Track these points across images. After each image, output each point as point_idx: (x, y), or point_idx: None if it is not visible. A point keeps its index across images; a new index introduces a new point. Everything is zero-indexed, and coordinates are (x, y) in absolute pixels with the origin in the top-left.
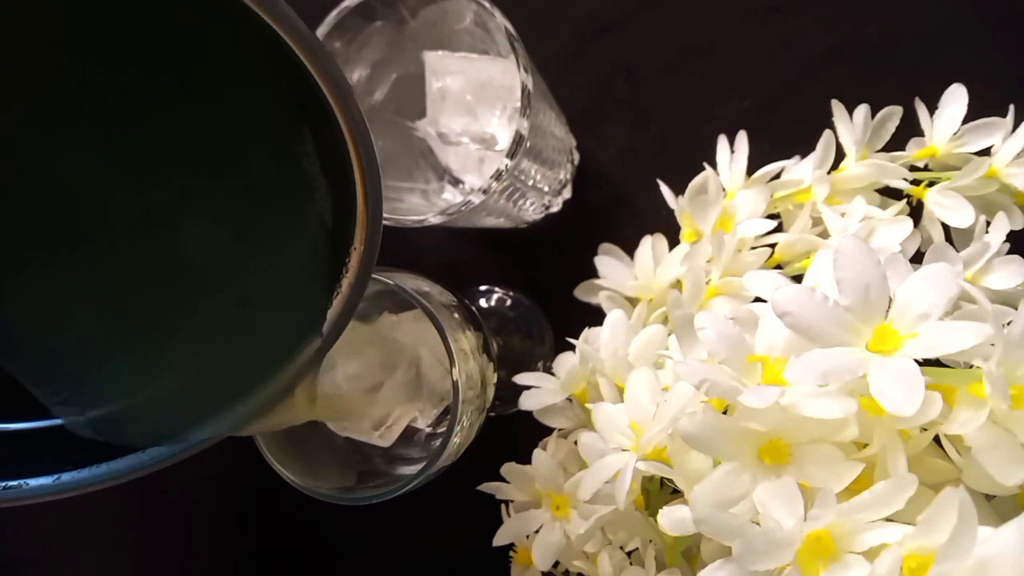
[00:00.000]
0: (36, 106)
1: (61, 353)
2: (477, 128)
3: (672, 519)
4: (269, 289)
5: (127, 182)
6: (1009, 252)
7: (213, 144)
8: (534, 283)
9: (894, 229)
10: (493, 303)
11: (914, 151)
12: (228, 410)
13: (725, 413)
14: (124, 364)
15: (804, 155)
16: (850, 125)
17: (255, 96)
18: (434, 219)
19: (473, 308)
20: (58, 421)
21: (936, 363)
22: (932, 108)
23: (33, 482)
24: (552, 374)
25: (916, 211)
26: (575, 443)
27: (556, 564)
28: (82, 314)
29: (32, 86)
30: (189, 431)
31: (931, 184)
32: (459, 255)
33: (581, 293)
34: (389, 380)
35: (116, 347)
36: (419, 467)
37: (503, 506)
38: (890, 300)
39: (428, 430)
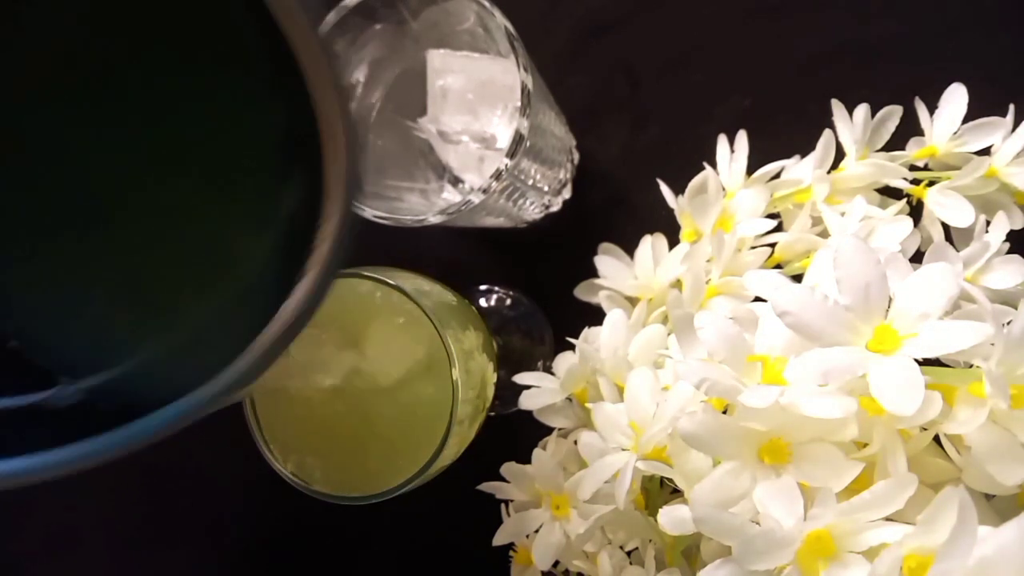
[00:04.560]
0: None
1: (72, 322)
2: (477, 127)
3: (672, 519)
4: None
5: (133, 164)
6: (1009, 252)
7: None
8: (534, 283)
9: (894, 229)
10: (493, 303)
11: (914, 150)
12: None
13: (725, 413)
14: (135, 327)
15: (804, 155)
16: (850, 124)
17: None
18: (434, 219)
19: (473, 307)
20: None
21: (936, 363)
22: (932, 108)
23: None
24: (552, 374)
25: (916, 211)
26: (575, 443)
27: (556, 564)
28: (96, 291)
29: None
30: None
31: (931, 183)
32: (459, 255)
33: (581, 293)
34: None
35: (127, 316)
36: None
37: (503, 506)
38: (890, 300)
39: None
